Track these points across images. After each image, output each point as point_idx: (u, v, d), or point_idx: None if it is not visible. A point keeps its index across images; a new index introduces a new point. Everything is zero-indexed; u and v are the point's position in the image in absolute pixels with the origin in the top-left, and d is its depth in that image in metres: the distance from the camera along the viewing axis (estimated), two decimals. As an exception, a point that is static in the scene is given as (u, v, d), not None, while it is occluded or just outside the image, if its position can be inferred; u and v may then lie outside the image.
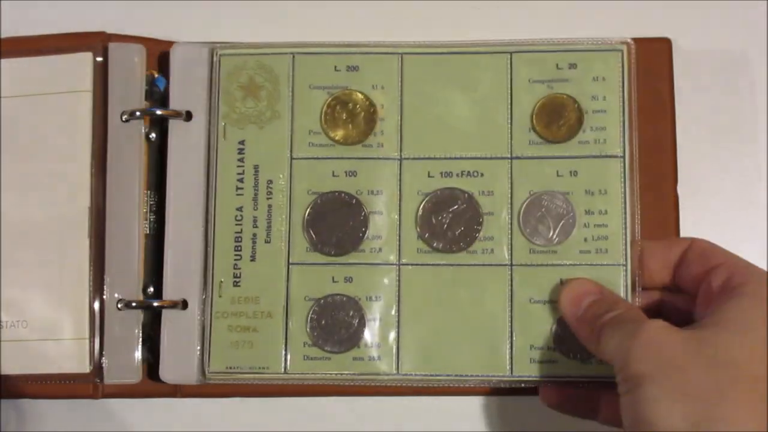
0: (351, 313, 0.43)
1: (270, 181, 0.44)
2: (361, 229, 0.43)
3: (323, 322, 0.43)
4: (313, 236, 0.43)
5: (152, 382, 0.43)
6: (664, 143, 0.44)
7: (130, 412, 0.45)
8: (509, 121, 0.43)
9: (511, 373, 0.42)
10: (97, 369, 0.43)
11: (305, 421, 0.45)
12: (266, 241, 0.43)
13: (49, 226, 0.43)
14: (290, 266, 0.43)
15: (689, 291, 0.40)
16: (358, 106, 0.44)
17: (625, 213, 0.42)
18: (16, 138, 0.44)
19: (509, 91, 0.43)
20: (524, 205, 0.43)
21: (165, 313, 0.43)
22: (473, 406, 0.45)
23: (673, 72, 0.45)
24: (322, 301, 0.43)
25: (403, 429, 0.45)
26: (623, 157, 0.43)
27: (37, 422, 0.45)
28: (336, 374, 0.43)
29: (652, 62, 0.45)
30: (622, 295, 0.42)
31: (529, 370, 0.42)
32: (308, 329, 0.43)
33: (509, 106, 0.43)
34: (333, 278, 0.43)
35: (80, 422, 0.45)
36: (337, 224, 0.43)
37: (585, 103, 0.43)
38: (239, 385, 0.43)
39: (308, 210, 0.43)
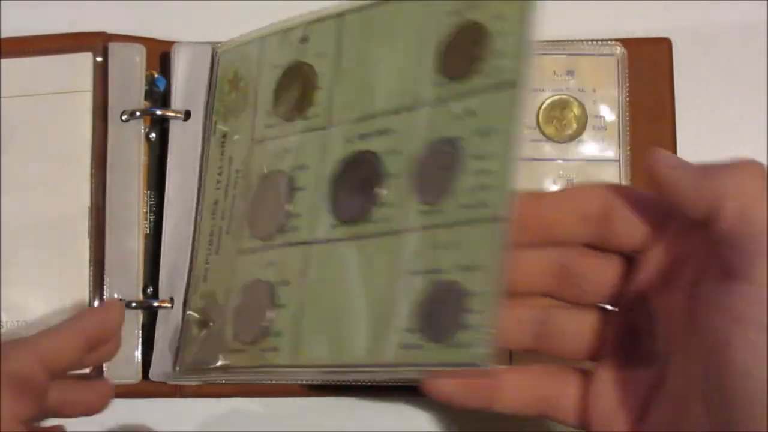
0: (265, 300, 0.39)
1: (237, 171, 0.42)
2: (284, 209, 0.39)
3: (242, 312, 0.40)
4: (253, 221, 0.41)
5: (152, 382, 0.43)
6: (664, 143, 0.44)
7: (130, 412, 0.45)
8: (418, 65, 0.37)
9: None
10: (97, 369, 0.43)
11: (306, 421, 0.45)
12: (227, 232, 0.42)
13: (49, 226, 0.43)
14: (238, 256, 0.41)
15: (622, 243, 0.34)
16: (300, 78, 0.41)
17: None
18: (16, 138, 0.44)
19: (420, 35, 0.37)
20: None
21: (160, 312, 0.43)
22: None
23: (673, 71, 0.45)
24: (248, 289, 0.40)
25: (404, 429, 0.45)
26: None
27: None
28: (247, 368, 0.39)
29: (652, 62, 0.45)
30: None
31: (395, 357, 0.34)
32: (233, 320, 0.40)
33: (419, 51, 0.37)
34: (260, 264, 0.40)
35: (80, 422, 0.45)
36: (268, 206, 0.40)
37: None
38: (239, 385, 0.43)
39: (251, 195, 0.41)
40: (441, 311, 0.33)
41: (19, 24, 0.46)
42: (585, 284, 0.34)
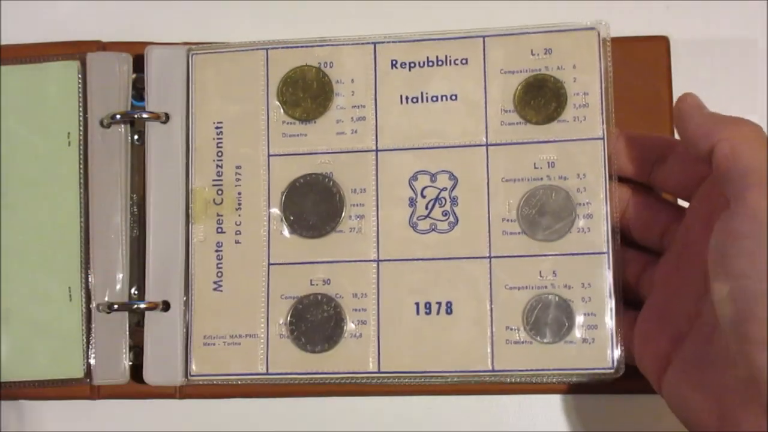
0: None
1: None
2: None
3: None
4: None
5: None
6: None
7: (130, 413, 0.46)
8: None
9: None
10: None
11: (307, 421, 0.45)
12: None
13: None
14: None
15: (670, 188, 0.40)
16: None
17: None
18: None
19: None
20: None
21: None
22: (472, 404, 0.45)
23: (671, 70, 0.44)
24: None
25: (407, 429, 0.45)
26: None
27: (37, 423, 0.46)
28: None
29: (650, 61, 0.44)
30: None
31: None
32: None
33: None
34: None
35: (80, 423, 0.46)
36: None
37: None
38: (239, 385, 0.43)
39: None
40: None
41: (21, 30, 0.48)
42: (637, 219, 0.41)
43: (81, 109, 0.44)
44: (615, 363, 0.40)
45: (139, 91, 0.45)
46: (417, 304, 0.41)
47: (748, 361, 0.31)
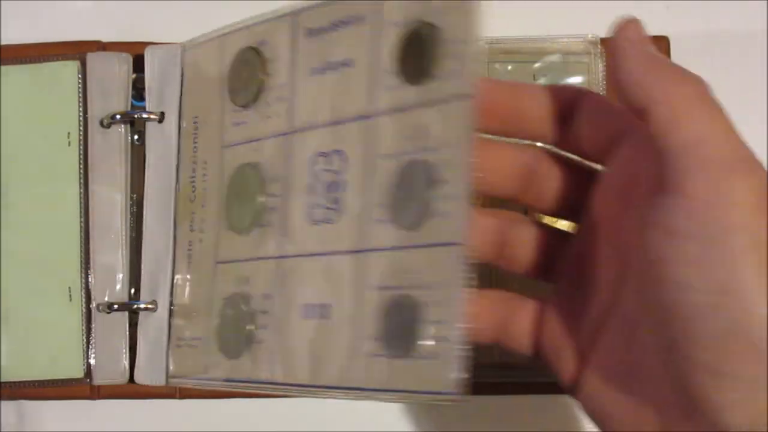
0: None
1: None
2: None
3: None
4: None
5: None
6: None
7: (130, 413, 0.46)
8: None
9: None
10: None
11: (307, 421, 0.45)
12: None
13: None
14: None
15: (584, 150, 0.33)
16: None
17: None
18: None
19: None
20: None
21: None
22: (471, 404, 0.44)
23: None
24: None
25: (407, 429, 0.45)
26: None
27: (37, 423, 0.46)
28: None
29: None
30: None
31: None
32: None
33: None
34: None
35: (80, 423, 0.46)
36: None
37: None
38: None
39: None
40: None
41: (21, 30, 0.48)
42: (546, 189, 0.33)
43: (81, 109, 0.45)
44: (460, 385, 0.30)
45: (139, 91, 0.45)
46: (304, 306, 0.35)
47: (692, 388, 0.26)
